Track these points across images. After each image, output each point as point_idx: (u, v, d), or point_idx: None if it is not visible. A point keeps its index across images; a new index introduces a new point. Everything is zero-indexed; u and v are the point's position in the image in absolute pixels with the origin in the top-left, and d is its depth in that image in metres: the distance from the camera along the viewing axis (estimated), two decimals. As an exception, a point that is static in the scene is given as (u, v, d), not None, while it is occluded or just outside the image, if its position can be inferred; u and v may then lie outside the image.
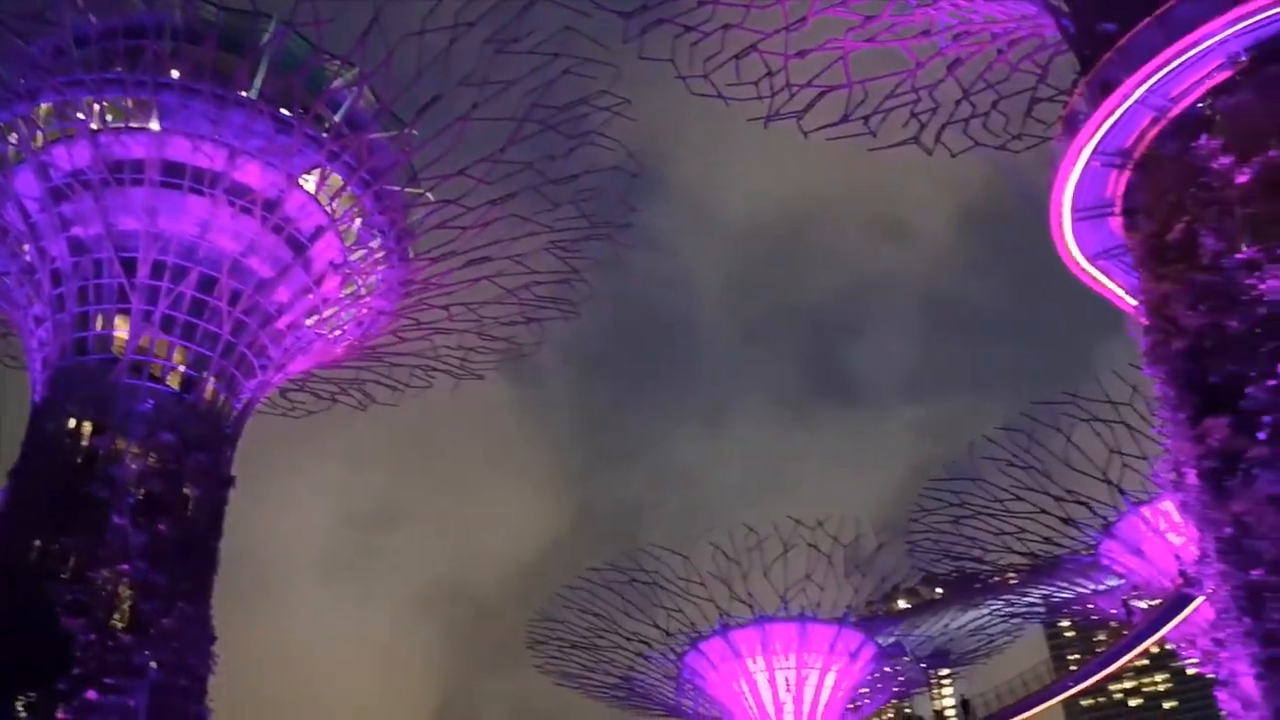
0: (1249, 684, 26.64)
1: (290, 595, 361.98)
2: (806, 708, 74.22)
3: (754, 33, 44.75)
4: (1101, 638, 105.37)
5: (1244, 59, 30.28)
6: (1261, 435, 26.50)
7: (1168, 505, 55.13)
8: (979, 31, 43.50)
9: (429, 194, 51.48)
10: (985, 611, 77.20)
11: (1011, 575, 72.73)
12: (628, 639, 77.34)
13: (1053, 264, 35.68)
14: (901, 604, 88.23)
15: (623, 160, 51.27)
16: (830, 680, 74.79)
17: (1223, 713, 28.90)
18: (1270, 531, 25.76)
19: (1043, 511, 66.96)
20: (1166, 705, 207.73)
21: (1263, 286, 27.46)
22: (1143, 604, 64.70)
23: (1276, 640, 25.16)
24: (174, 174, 47.85)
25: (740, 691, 75.34)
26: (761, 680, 74.51)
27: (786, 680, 74.21)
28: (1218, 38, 30.12)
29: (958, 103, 46.51)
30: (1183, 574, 58.86)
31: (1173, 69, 30.88)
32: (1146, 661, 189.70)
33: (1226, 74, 30.72)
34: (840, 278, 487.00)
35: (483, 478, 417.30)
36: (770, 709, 74.25)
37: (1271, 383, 26.46)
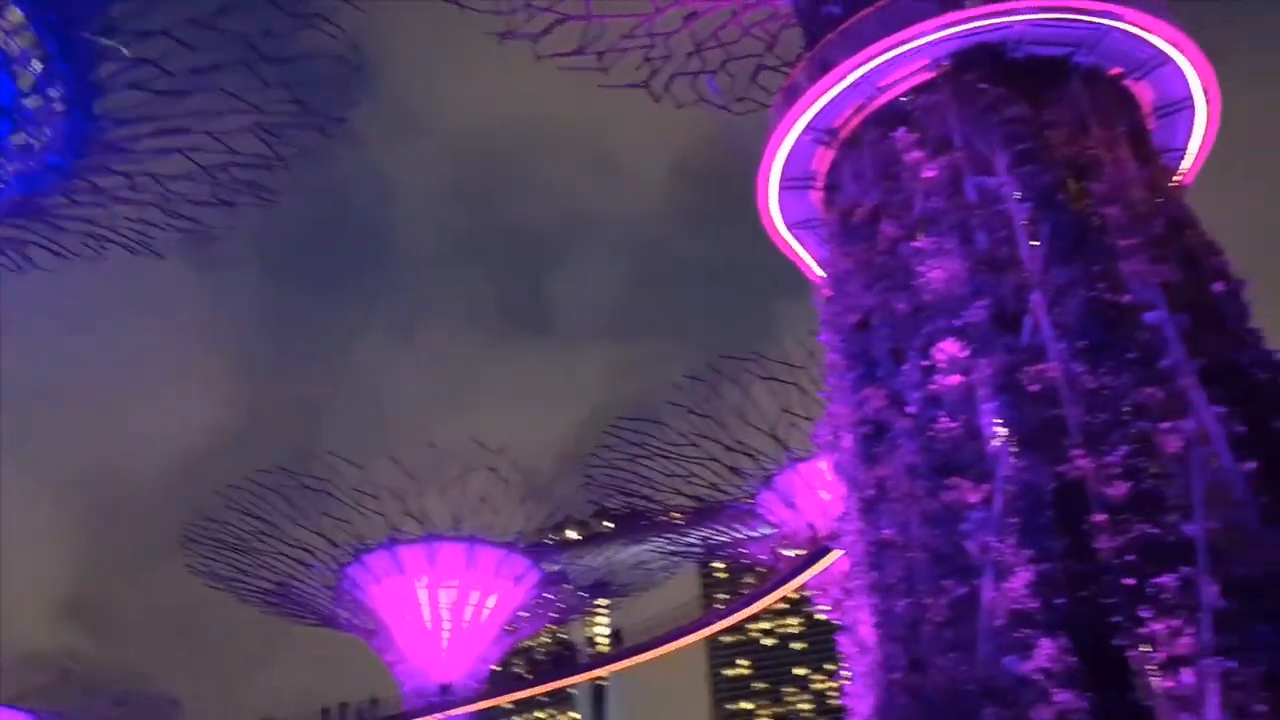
0: (866, 630, 29.20)
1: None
2: (465, 627, 75.19)
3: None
4: (749, 580, 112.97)
5: (946, 63, 32.64)
6: (910, 409, 28.96)
7: (823, 464, 59.57)
8: (718, -11, 44.36)
9: (125, 49, 46.71)
10: (648, 547, 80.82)
11: (677, 516, 76.41)
12: (289, 545, 75.15)
13: (753, 227, 37.28)
14: (571, 534, 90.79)
15: (345, 50, 48.62)
16: (492, 602, 76.08)
17: (840, 654, 31.61)
18: (903, 496, 28.28)
19: (713, 459, 70.78)
20: (795, 646, 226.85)
21: (929, 275, 29.87)
22: (789, 553, 69.81)
23: (893, 593, 27.75)
24: None
25: (401, 607, 75.22)
26: (423, 597, 74.69)
27: (449, 599, 74.80)
28: (927, 39, 32.26)
29: (689, 55, 47.29)
30: (811, 527, 64.13)
31: (885, 60, 32.82)
32: (785, 605, 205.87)
33: (929, 75, 33.00)
34: (550, 208, 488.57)
35: (149, 362, 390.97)
36: (429, 626, 74.65)
37: (925, 363, 28.91)
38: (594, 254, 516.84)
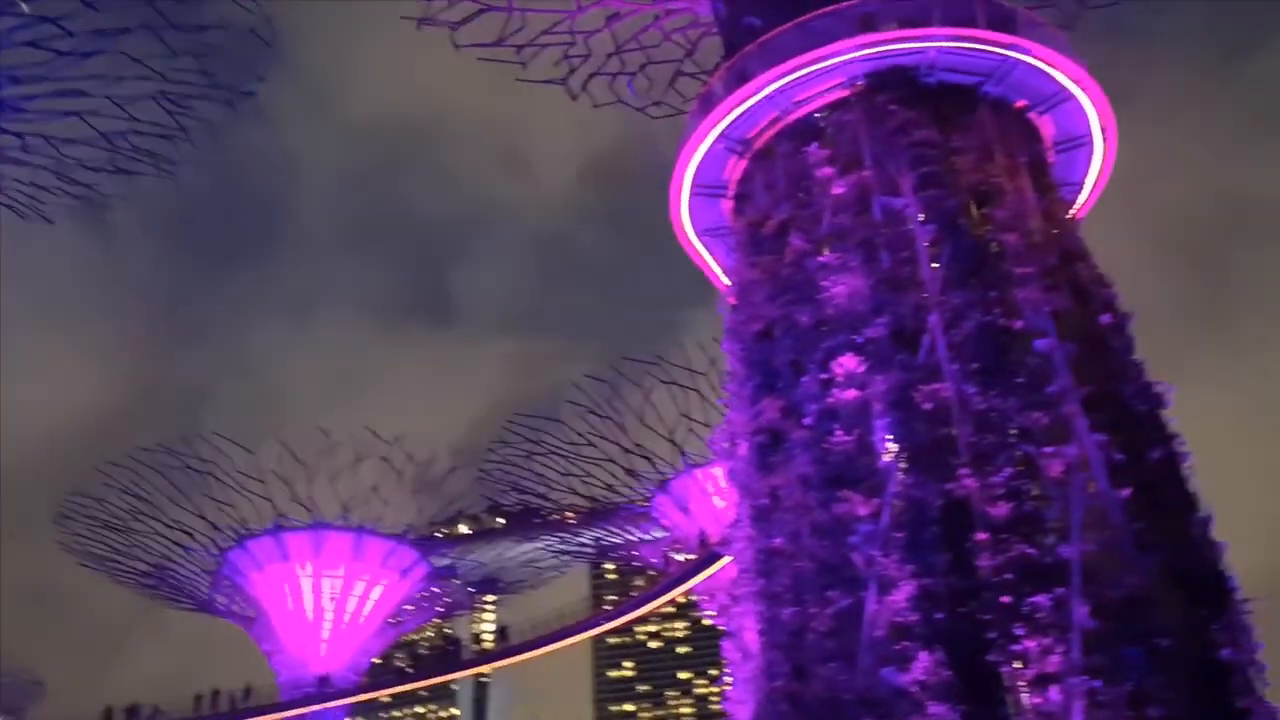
0: (751, 637, 29.46)
1: None
2: (348, 618, 73.94)
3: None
4: (639, 583, 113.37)
5: (860, 83, 33.18)
6: (807, 421, 29.30)
7: (718, 471, 60.04)
8: (641, -7, 44.47)
9: (23, 4, 44.79)
10: (539, 545, 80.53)
11: (571, 515, 76.32)
12: (169, 526, 73.01)
13: (661, 230, 37.41)
14: (463, 529, 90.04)
15: (257, 23, 47.39)
16: (377, 594, 74.96)
17: (724, 660, 31.89)
18: (796, 506, 28.61)
19: (610, 460, 70.92)
20: (680, 650, 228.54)
21: (834, 290, 30.30)
22: (680, 557, 70.25)
23: (779, 601, 28.06)
24: None
25: (283, 595, 73.64)
26: (307, 586, 73.23)
27: (333, 589, 73.47)
28: (845, 58, 32.75)
29: (609, 56, 47.33)
30: (703, 533, 64.70)
31: (802, 75, 33.24)
32: (672, 609, 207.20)
33: (844, 93, 33.50)
34: (458, 199, 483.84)
35: (28, 331, 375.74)
36: (310, 615, 73.19)
37: (823, 376, 29.29)
38: (500, 248, 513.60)
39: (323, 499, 73.72)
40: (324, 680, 71.70)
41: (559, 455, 71.76)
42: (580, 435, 70.74)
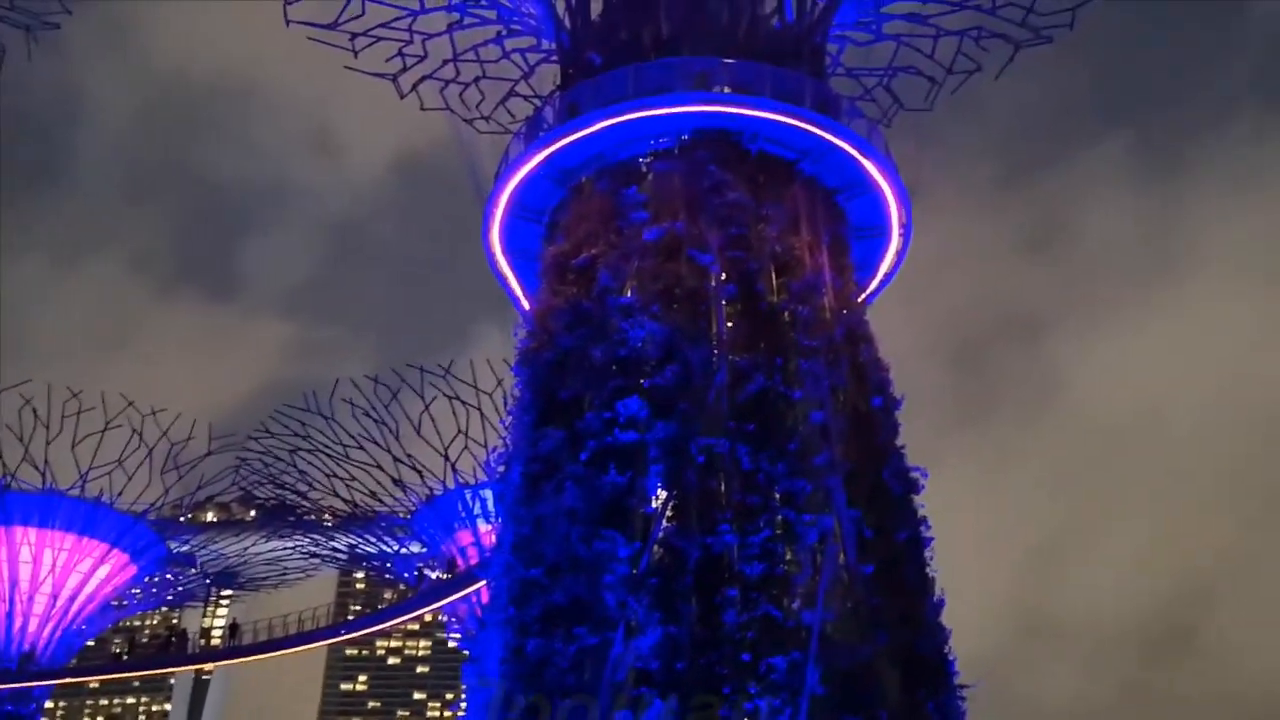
0: (492, 665, 29.23)
1: None
2: (66, 593, 68.81)
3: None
4: (388, 596, 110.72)
5: (686, 137, 34.04)
6: (584, 455, 29.48)
7: (487, 493, 59.57)
8: (487, 7, 44.23)
9: None
10: (289, 545, 77.43)
11: (328, 518, 73.84)
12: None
13: (465, 241, 37.13)
14: (210, 516, 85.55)
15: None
16: (104, 572, 70.14)
17: (462, 685, 31.45)
18: (559, 539, 28.65)
19: (379, 467, 69.04)
20: (420, 669, 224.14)
21: (631, 332, 30.79)
22: (434, 575, 69.01)
23: (527, 632, 27.95)
24: None
25: (-3, 561, 67.90)
26: (26, 555, 67.75)
27: (55, 561, 68.27)
28: (674, 110, 33.60)
29: (445, 62, 46.79)
30: (461, 553, 64.00)
31: (631, 119, 33.81)
32: (417, 627, 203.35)
33: (668, 144, 34.30)
34: (257, 168, 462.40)
35: None
36: (25, 586, 67.72)
37: (607, 415, 29.58)
38: (295, 227, 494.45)
39: (59, 463, 68.48)
40: (27, 657, 66.32)
41: (325, 454, 69.33)
42: (351, 436, 68.60)
